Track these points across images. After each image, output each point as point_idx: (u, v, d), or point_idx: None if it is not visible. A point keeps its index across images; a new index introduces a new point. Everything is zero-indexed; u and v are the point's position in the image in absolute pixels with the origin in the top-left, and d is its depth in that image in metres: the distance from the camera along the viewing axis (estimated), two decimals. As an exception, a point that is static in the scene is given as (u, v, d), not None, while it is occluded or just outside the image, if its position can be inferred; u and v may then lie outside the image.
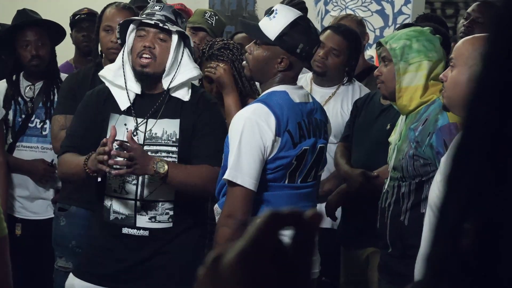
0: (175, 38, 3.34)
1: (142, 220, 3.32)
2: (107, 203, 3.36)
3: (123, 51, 3.42)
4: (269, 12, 3.25)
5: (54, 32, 4.44)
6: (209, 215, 3.75)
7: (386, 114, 3.85)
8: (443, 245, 0.75)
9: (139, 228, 3.32)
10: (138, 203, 3.33)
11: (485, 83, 0.74)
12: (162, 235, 3.34)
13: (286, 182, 3.15)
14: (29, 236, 4.36)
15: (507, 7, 0.74)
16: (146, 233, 3.33)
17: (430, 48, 3.34)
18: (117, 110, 3.36)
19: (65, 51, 4.72)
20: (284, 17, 3.17)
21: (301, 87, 3.34)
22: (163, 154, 3.31)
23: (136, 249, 3.34)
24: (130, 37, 3.38)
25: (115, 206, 3.35)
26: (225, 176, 3.04)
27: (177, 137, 3.33)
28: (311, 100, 3.29)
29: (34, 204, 4.43)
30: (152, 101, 3.37)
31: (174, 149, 3.33)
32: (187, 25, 4.64)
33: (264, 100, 3.11)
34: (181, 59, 3.37)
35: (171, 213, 3.34)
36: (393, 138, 3.46)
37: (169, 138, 3.33)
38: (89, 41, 5.06)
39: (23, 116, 4.40)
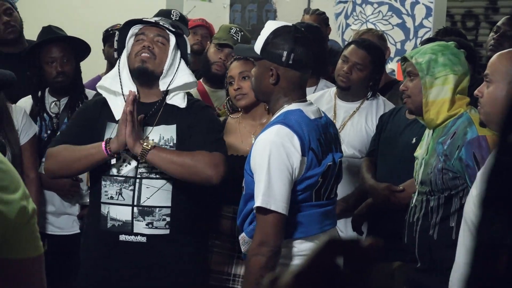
0: (172, 41, 3.39)
1: (139, 226, 3.31)
2: (104, 211, 3.36)
3: (121, 57, 3.45)
4: None
5: (79, 48, 4.47)
6: (231, 233, 3.73)
7: (412, 128, 3.85)
8: (481, 266, 0.75)
9: (136, 234, 3.31)
10: (135, 209, 3.32)
11: None
12: (160, 241, 3.32)
13: (313, 201, 3.08)
14: (55, 251, 4.37)
15: None
16: (144, 239, 3.31)
17: (456, 62, 3.34)
18: (113, 119, 3.36)
19: (96, 66, 4.74)
20: (267, 29, 3.10)
21: (311, 103, 3.23)
22: None
23: (133, 257, 3.32)
24: (129, 42, 3.42)
25: (112, 213, 3.34)
26: (258, 204, 2.94)
27: (174, 141, 3.34)
28: (322, 115, 3.21)
29: (60, 219, 4.45)
30: (148, 109, 3.39)
31: None
32: (213, 41, 4.66)
33: (283, 121, 3.01)
34: (178, 64, 3.41)
35: (168, 219, 3.32)
36: (420, 152, 3.45)
37: (167, 143, 3.34)
38: None
39: (49, 131, 4.42)
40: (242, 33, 4.63)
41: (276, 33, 3.06)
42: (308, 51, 3.09)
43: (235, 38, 4.56)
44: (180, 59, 3.43)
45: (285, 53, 3.04)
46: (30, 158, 4.25)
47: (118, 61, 3.46)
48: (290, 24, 3.21)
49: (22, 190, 1.63)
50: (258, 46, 3.09)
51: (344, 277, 0.80)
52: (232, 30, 4.61)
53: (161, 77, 3.37)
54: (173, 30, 3.39)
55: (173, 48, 3.39)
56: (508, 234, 0.73)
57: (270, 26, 3.11)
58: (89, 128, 3.39)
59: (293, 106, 3.07)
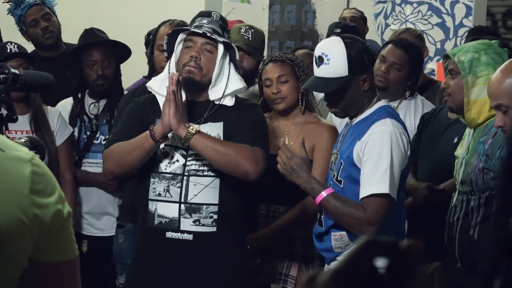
0: (220, 49, 3.38)
1: (186, 223, 3.32)
2: (151, 208, 3.37)
3: (170, 62, 3.45)
4: (318, 61, 3.23)
5: (119, 51, 4.49)
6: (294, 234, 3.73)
7: (453, 127, 3.82)
8: (499, 258, 0.75)
9: (183, 232, 3.32)
10: (182, 205, 3.32)
11: None
12: (206, 239, 3.32)
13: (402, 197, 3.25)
14: (94, 253, 4.39)
15: None
16: (190, 237, 3.31)
17: (499, 61, 3.30)
18: None
19: (135, 68, 4.74)
20: (338, 50, 3.18)
21: None
22: None
23: (180, 254, 3.33)
24: (178, 48, 3.43)
25: (160, 210, 3.35)
26: (378, 190, 3.07)
27: (221, 139, 3.34)
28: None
29: (100, 221, 4.46)
30: (196, 107, 3.40)
31: None
32: None
33: (390, 114, 3.18)
34: (229, 72, 3.41)
35: (215, 217, 3.32)
36: (460, 152, 3.42)
37: None
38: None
39: (88, 133, 4.45)
40: (252, 30, 4.49)
41: (350, 48, 3.18)
42: (364, 42, 3.31)
43: (246, 37, 4.45)
44: (230, 65, 3.42)
45: (365, 57, 3.19)
46: (66, 159, 4.28)
47: (168, 64, 3.46)
48: (339, 34, 3.39)
49: (58, 193, 1.63)
50: (342, 70, 3.17)
51: (383, 279, 0.79)
52: (241, 30, 4.47)
53: (210, 86, 3.39)
54: (221, 40, 3.38)
55: (221, 56, 3.38)
56: None
57: (332, 47, 3.19)
58: (140, 126, 3.38)
59: (381, 103, 3.25)
